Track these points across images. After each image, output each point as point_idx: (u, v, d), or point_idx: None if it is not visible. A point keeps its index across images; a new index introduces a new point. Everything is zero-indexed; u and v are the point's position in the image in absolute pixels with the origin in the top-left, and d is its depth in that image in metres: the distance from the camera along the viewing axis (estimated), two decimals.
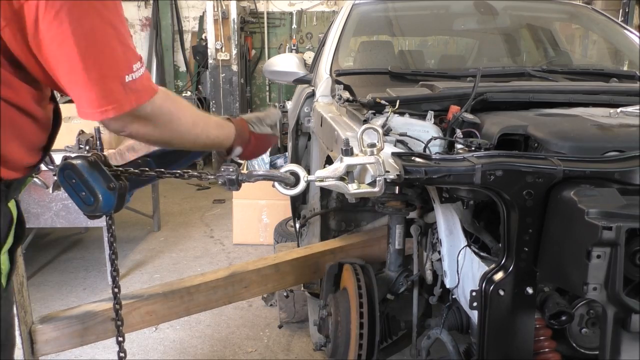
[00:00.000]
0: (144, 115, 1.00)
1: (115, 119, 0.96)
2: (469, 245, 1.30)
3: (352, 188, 1.16)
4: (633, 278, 0.96)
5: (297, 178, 1.17)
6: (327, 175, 1.17)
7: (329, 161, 1.71)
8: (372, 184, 1.15)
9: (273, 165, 4.36)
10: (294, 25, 7.59)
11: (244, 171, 1.17)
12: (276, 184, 1.17)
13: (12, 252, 1.05)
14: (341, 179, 1.17)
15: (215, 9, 6.74)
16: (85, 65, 0.89)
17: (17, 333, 1.34)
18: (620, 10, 5.87)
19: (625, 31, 2.76)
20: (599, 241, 0.91)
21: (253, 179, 1.16)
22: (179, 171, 1.24)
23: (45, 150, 1.09)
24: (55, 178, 1.12)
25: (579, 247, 0.95)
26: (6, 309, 1.05)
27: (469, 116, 1.49)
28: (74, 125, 1.73)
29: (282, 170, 1.17)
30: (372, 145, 1.14)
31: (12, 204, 1.02)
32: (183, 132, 1.11)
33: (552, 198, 1.07)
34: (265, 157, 4.87)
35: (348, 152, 1.16)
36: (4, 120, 0.93)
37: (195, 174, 1.23)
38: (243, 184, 1.16)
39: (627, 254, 0.94)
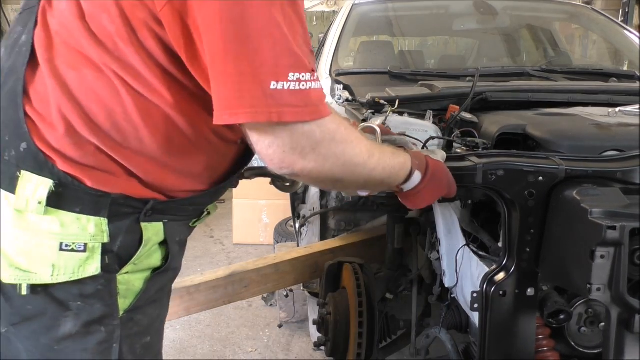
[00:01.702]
0: (311, 143, 0.81)
1: (272, 140, 0.79)
2: (467, 245, 1.30)
3: None
4: (633, 277, 0.96)
5: None
6: None
7: None
8: None
9: None
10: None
11: None
12: (274, 180, 1.17)
13: (157, 278, 0.96)
14: None
15: None
16: (224, 58, 0.75)
17: None
18: (620, 10, 5.88)
19: (625, 31, 2.76)
20: (603, 241, 0.91)
21: (250, 175, 1.16)
22: None
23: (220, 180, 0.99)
24: None
25: (583, 247, 0.95)
26: (128, 340, 0.93)
27: (467, 115, 1.49)
28: None
29: None
30: None
31: (154, 227, 0.92)
32: (358, 164, 0.89)
33: (554, 198, 1.07)
34: None
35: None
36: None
37: None
38: (243, 185, 1.16)
39: (628, 253, 0.94)
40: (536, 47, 2.98)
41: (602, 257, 0.91)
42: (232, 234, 4.18)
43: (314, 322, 1.72)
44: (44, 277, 0.84)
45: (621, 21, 5.02)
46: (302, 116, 0.79)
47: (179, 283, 1.78)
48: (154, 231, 0.93)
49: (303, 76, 0.78)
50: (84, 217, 0.84)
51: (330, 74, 2.26)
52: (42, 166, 0.83)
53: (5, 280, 0.84)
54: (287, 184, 1.38)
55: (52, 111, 0.83)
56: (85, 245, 0.85)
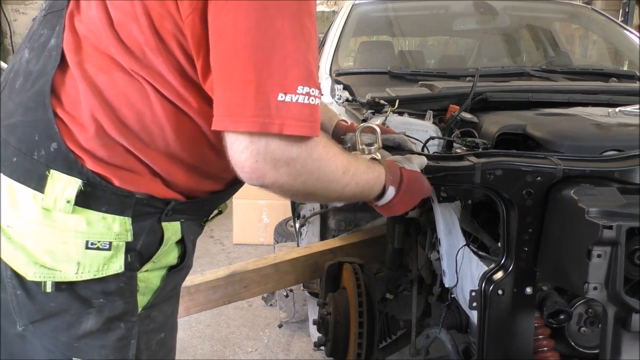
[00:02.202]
0: (286, 157, 0.80)
1: (247, 146, 0.77)
2: (467, 245, 1.30)
3: None
4: (632, 277, 0.96)
5: None
6: None
7: None
8: None
9: None
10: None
11: None
12: None
13: (174, 276, 0.99)
14: None
15: None
16: (232, 63, 0.76)
17: None
18: (620, 10, 5.88)
19: (625, 31, 2.76)
20: (600, 240, 0.91)
21: None
22: None
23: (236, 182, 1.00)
24: None
25: (579, 247, 0.95)
26: (145, 335, 0.95)
27: (467, 115, 1.50)
28: None
29: None
30: (370, 144, 1.14)
31: (173, 226, 0.95)
32: (332, 181, 0.89)
33: (551, 197, 1.07)
34: None
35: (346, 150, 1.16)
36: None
37: None
38: (243, 185, 1.16)
39: (626, 253, 0.94)
40: (536, 47, 2.98)
41: (599, 256, 0.92)
42: (232, 234, 4.18)
43: (314, 322, 1.72)
44: (69, 275, 0.85)
45: (621, 21, 5.02)
46: (304, 130, 0.78)
47: None
48: (173, 230, 0.95)
49: (313, 91, 0.78)
50: (109, 217, 0.86)
51: (330, 74, 2.26)
52: (72, 166, 0.85)
53: (30, 277, 0.85)
54: None
55: (83, 113, 0.85)
56: (110, 243, 0.87)
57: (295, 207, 2.92)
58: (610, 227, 0.90)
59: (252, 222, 4.13)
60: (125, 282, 0.90)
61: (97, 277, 0.87)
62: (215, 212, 1.10)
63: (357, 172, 0.94)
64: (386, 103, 1.57)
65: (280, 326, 2.89)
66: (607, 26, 2.85)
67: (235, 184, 1.04)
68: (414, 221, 1.67)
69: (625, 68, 2.61)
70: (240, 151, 0.78)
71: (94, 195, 0.85)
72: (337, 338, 1.61)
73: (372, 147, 1.14)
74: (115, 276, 0.88)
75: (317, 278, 1.95)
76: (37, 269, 0.85)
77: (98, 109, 0.85)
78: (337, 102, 1.92)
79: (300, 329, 2.85)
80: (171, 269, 0.98)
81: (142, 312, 0.94)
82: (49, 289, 0.85)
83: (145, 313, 0.95)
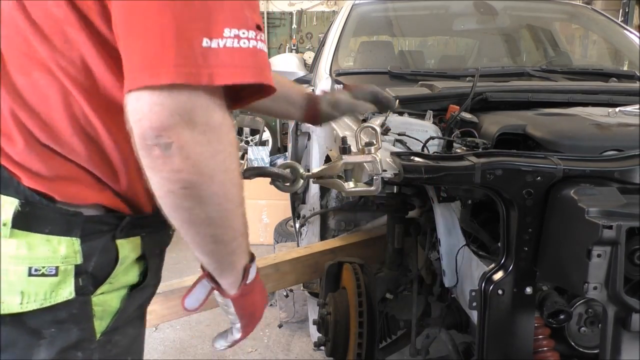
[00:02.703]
0: (207, 122, 0.68)
1: (167, 97, 0.65)
2: (467, 245, 1.30)
3: (349, 186, 1.17)
4: (632, 277, 0.96)
5: (294, 175, 1.17)
6: (324, 173, 1.18)
7: (328, 161, 1.71)
8: (369, 182, 1.16)
9: (273, 165, 4.37)
10: (294, 25, 7.60)
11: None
12: (274, 180, 1.17)
13: (135, 296, 0.89)
14: (338, 177, 1.17)
15: None
16: (145, 9, 0.65)
17: None
18: (620, 10, 5.87)
19: (625, 31, 2.76)
20: (600, 240, 0.91)
21: (250, 175, 1.16)
22: None
23: None
24: None
25: (579, 246, 0.95)
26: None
27: (467, 115, 1.50)
28: None
29: (279, 167, 1.18)
30: (370, 144, 1.14)
31: (131, 242, 0.85)
32: (233, 185, 0.75)
33: (551, 197, 1.07)
34: (266, 157, 4.87)
35: (345, 150, 1.16)
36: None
37: None
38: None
39: (626, 253, 0.94)
40: (536, 47, 2.98)
41: (599, 256, 0.92)
42: None
43: (314, 322, 1.72)
44: (13, 306, 0.75)
45: (621, 21, 5.02)
46: (240, 77, 0.67)
47: (179, 283, 1.78)
48: (131, 247, 0.86)
49: (243, 33, 0.67)
50: (54, 238, 0.77)
51: (330, 74, 2.26)
52: (7, 184, 0.75)
53: None
54: (287, 184, 1.38)
55: (7, 123, 0.75)
56: (57, 268, 0.77)
57: (295, 207, 2.92)
58: (610, 227, 0.90)
59: (252, 222, 4.10)
60: (78, 308, 0.80)
61: (44, 306, 0.77)
62: None
63: (244, 207, 0.81)
64: None
65: (280, 326, 2.89)
66: (607, 26, 2.85)
67: None
68: (414, 221, 1.67)
69: (625, 68, 2.61)
70: (154, 102, 0.65)
71: (34, 216, 0.75)
72: (337, 338, 1.61)
73: (372, 147, 1.14)
74: (66, 303, 0.78)
75: (317, 278, 1.96)
76: None
77: (23, 117, 0.75)
78: None
79: (300, 329, 2.85)
80: (133, 287, 0.89)
81: (102, 338, 0.84)
82: None
83: (106, 338, 0.85)
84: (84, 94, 0.75)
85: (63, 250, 0.77)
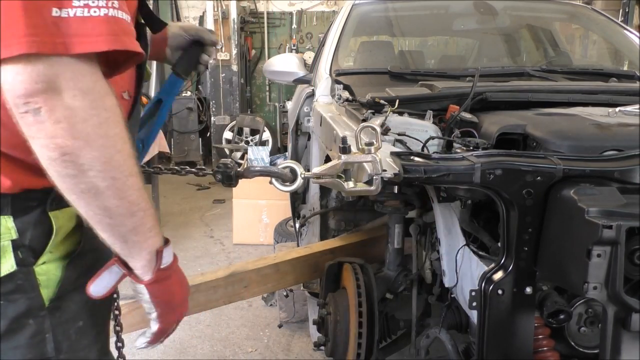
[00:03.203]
0: (74, 86, 0.69)
1: (24, 66, 0.66)
2: (467, 245, 1.30)
3: (349, 186, 1.17)
4: (632, 277, 0.96)
5: (294, 174, 1.17)
6: (323, 173, 1.18)
7: (328, 161, 1.71)
8: (369, 182, 1.16)
9: (273, 165, 4.37)
10: (294, 25, 7.60)
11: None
12: (273, 180, 1.17)
13: (75, 263, 0.92)
14: (338, 176, 1.17)
15: (215, 9, 6.76)
16: None
17: None
18: (620, 10, 5.88)
19: (625, 31, 2.76)
20: (599, 240, 0.91)
21: (250, 175, 1.16)
22: (176, 167, 1.23)
23: None
24: None
25: (579, 246, 0.95)
26: (60, 327, 0.90)
27: (467, 115, 1.50)
28: None
29: (279, 166, 1.18)
30: (370, 144, 1.14)
31: (65, 213, 0.88)
32: (116, 152, 0.75)
33: (551, 197, 1.07)
34: (266, 157, 4.87)
35: (345, 150, 1.16)
36: None
37: (193, 170, 1.22)
38: (243, 185, 1.16)
39: (626, 252, 0.94)
40: (536, 47, 2.98)
41: (599, 255, 0.92)
42: (232, 234, 4.19)
43: (314, 322, 1.72)
44: None
45: (621, 21, 5.02)
46: (92, 46, 0.69)
47: None
48: (66, 217, 0.89)
49: (93, 2, 0.69)
50: None
51: (330, 74, 2.26)
52: None
53: None
54: (287, 184, 1.38)
55: None
56: None
57: (295, 207, 2.91)
58: (610, 227, 0.90)
59: (252, 222, 4.13)
60: (22, 279, 0.85)
61: None
62: None
63: (138, 179, 0.80)
64: (386, 103, 1.57)
65: (280, 326, 2.89)
66: (607, 26, 2.85)
67: None
68: (414, 221, 1.67)
69: (625, 68, 2.61)
70: (16, 73, 0.67)
71: None
72: (337, 338, 1.61)
73: (372, 147, 1.14)
74: (10, 275, 0.84)
75: (317, 278, 1.95)
76: None
77: None
78: (336, 102, 1.92)
79: (300, 329, 2.85)
80: (72, 256, 0.92)
81: (50, 305, 0.89)
82: None
83: (55, 305, 0.89)
84: None
85: None
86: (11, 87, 0.68)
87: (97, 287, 0.89)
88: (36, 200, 0.86)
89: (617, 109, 1.48)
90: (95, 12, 0.69)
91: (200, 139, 7.14)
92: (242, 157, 5.27)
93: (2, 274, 0.83)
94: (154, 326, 0.95)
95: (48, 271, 0.89)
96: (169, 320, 0.96)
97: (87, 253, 0.94)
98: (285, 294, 2.80)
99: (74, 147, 0.71)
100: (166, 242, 0.89)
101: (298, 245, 2.73)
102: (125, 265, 0.87)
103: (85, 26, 0.68)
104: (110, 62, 0.76)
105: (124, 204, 0.79)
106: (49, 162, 0.73)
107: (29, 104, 0.68)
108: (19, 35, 0.65)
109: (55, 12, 0.67)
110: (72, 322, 0.93)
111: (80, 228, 0.92)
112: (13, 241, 0.84)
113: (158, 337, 0.98)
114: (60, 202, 0.85)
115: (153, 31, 1.10)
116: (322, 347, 1.68)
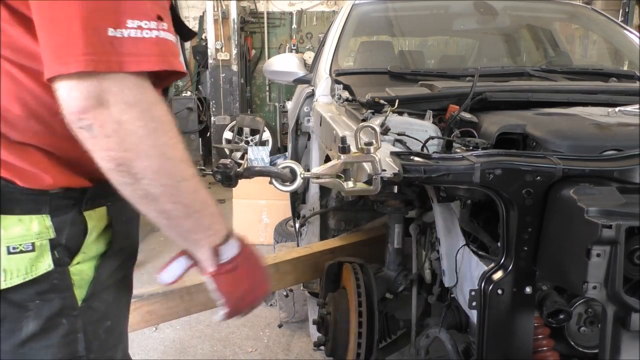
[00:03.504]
0: (124, 99, 0.73)
1: (77, 83, 0.71)
2: (467, 245, 1.30)
3: (348, 186, 1.17)
4: (632, 277, 0.96)
5: (293, 174, 1.17)
6: (323, 172, 1.18)
7: (328, 160, 1.71)
8: (369, 182, 1.16)
9: (273, 165, 4.36)
10: (294, 25, 7.60)
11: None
12: (273, 180, 1.17)
13: (105, 263, 0.94)
14: (338, 176, 1.18)
15: (215, 9, 6.76)
16: (51, 4, 0.69)
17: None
18: (620, 10, 5.88)
19: (625, 31, 2.76)
20: (599, 239, 0.91)
21: (250, 175, 1.16)
22: None
23: None
24: None
25: (579, 246, 0.95)
26: (90, 327, 0.92)
27: (467, 115, 1.50)
28: None
29: (279, 166, 1.18)
30: (369, 144, 1.14)
31: (97, 213, 0.91)
32: (170, 159, 0.80)
33: (551, 197, 1.07)
34: (265, 157, 4.87)
35: (345, 149, 1.16)
36: None
37: None
38: (243, 185, 1.16)
39: (626, 252, 0.94)
40: (536, 47, 2.98)
41: (598, 255, 0.92)
42: None
43: (314, 322, 1.72)
44: None
45: (621, 21, 5.02)
46: (144, 65, 0.73)
47: (179, 283, 1.78)
48: (98, 217, 0.92)
49: (145, 24, 0.73)
50: (25, 217, 0.83)
51: (330, 74, 2.26)
52: None
53: None
54: (287, 184, 1.38)
55: None
56: (33, 244, 0.84)
57: (295, 207, 2.92)
58: (610, 227, 0.90)
59: (252, 222, 4.13)
60: (58, 278, 0.87)
61: (27, 279, 0.83)
62: None
63: (199, 183, 0.85)
64: (386, 103, 1.57)
65: (280, 326, 2.89)
66: (607, 26, 2.84)
67: None
68: (414, 221, 1.67)
69: (625, 68, 2.61)
70: (70, 89, 0.71)
71: (4, 199, 0.81)
72: (337, 338, 1.61)
73: (371, 147, 1.14)
74: (46, 275, 0.85)
75: (317, 278, 1.96)
76: None
77: None
78: (336, 102, 1.92)
79: (300, 329, 2.85)
80: (104, 256, 0.95)
81: (83, 305, 0.91)
82: None
83: (86, 305, 0.91)
84: (34, 78, 0.78)
85: (35, 227, 0.83)
86: (66, 104, 0.73)
87: (167, 275, 0.96)
88: (73, 200, 0.88)
89: (617, 108, 1.48)
90: (147, 33, 0.73)
91: (200, 139, 7.14)
92: (242, 157, 5.27)
93: (39, 273, 0.84)
94: (220, 314, 1.00)
95: (82, 271, 0.91)
96: (236, 307, 1.00)
97: (116, 253, 0.97)
98: (285, 294, 2.80)
99: (126, 158, 0.76)
100: (227, 238, 0.93)
101: (298, 245, 2.73)
102: (192, 256, 0.94)
103: (138, 47, 0.73)
104: (151, 77, 0.79)
105: (178, 208, 0.84)
106: (108, 172, 0.78)
107: (82, 121, 0.73)
108: (77, 54, 0.69)
109: (111, 31, 0.70)
110: (101, 322, 0.95)
111: (111, 228, 0.95)
112: (51, 240, 0.85)
113: (230, 318, 1.02)
114: (93, 202, 0.90)
115: (184, 40, 1.13)
116: (322, 347, 1.69)
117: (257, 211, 4.12)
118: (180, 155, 0.81)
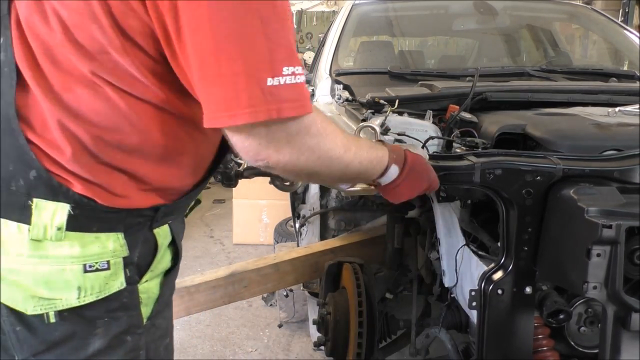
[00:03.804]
0: (286, 136, 0.80)
1: (248, 133, 0.78)
2: (467, 245, 1.30)
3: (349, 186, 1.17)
4: (632, 277, 0.96)
5: None
6: None
7: None
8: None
9: None
10: (294, 25, 7.60)
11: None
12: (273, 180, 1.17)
13: (168, 280, 0.98)
14: None
15: None
16: (217, 58, 0.73)
17: None
18: (620, 10, 5.87)
19: (625, 31, 2.76)
20: (599, 239, 0.91)
21: (249, 175, 1.16)
22: None
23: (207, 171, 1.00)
24: None
25: (579, 246, 0.95)
26: (153, 344, 0.95)
27: (467, 115, 1.50)
28: None
29: None
30: None
31: (164, 230, 0.94)
32: (333, 158, 0.88)
33: (551, 197, 1.07)
34: None
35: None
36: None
37: None
38: (243, 185, 1.16)
39: (626, 252, 0.94)
40: (536, 47, 2.98)
41: (598, 255, 0.92)
42: (232, 234, 4.18)
43: (314, 322, 1.72)
44: (71, 301, 0.83)
45: (621, 21, 5.02)
46: (299, 110, 0.78)
47: (179, 283, 1.79)
48: (164, 234, 0.94)
49: (297, 69, 0.77)
50: (102, 235, 0.84)
51: (330, 74, 2.26)
52: (56, 191, 0.81)
53: (30, 312, 0.82)
54: (287, 184, 1.38)
55: (54, 134, 0.81)
56: (108, 262, 0.85)
57: (295, 207, 2.92)
58: (610, 227, 0.90)
59: (252, 222, 4.13)
60: (127, 297, 0.88)
61: (100, 297, 0.85)
62: (193, 202, 1.08)
63: (359, 151, 0.94)
64: (386, 103, 1.57)
65: (280, 326, 2.89)
66: (607, 26, 2.84)
67: (212, 169, 1.03)
68: (414, 221, 1.67)
69: (625, 68, 2.61)
70: (243, 140, 0.79)
71: (83, 217, 0.83)
72: (337, 338, 1.61)
73: None
74: (118, 293, 0.87)
75: (317, 278, 1.96)
76: (35, 302, 0.82)
77: (70, 129, 0.80)
78: (337, 102, 1.92)
79: (300, 329, 2.85)
80: (166, 273, 0.97)
81: (148, 323, 0.93)
82: (52, 319, 0.83)
83: (151, 323, 0.93)
84: (130, 103, 0.82)
85: (111, 245, 0.85)
86: (242, 151, 0.81)
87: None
88: (145, 217, 0.89)
89: (617, 108, 1.48)
90: (298, 79, 0.78)
91: None
92: None
93: (112, 292, 0.86)
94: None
95: (149, 289, 0.93)
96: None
97: (176, 270, 1.00)
98: (285, 294, 2.79)
99: (303, 177, 1.06)
100: (387, 167, 1.02)
101: (298, 245, 2.72)
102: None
103: (293, 92, 0.77)
104: None
105: (350, 175, 0.98)
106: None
107: (259, 162, 0.82)
108: (242, 106, 0.75)
109: (269, 81, 0.75)
110: (162, 339, 0.98)
111: (175, 245, 0.98)
112: (124, 258, 0.87)
113: None
114: (161, 219, 0.93)
115: None
116: (322, 347, 1.69)
117: (257, 211, 4.12)
118: (341, 152, 0.89)
